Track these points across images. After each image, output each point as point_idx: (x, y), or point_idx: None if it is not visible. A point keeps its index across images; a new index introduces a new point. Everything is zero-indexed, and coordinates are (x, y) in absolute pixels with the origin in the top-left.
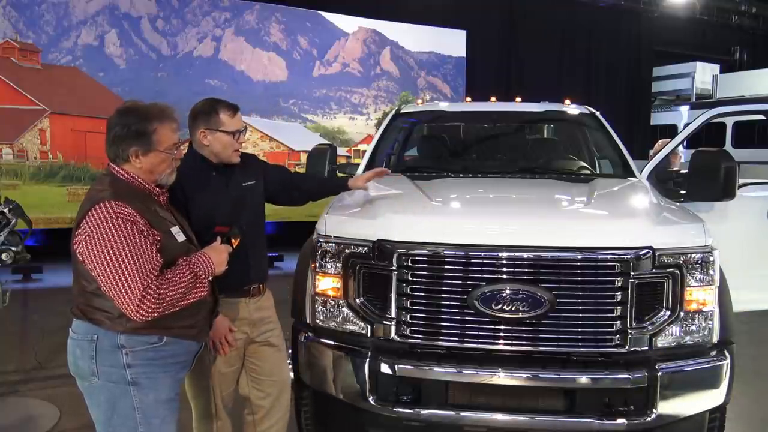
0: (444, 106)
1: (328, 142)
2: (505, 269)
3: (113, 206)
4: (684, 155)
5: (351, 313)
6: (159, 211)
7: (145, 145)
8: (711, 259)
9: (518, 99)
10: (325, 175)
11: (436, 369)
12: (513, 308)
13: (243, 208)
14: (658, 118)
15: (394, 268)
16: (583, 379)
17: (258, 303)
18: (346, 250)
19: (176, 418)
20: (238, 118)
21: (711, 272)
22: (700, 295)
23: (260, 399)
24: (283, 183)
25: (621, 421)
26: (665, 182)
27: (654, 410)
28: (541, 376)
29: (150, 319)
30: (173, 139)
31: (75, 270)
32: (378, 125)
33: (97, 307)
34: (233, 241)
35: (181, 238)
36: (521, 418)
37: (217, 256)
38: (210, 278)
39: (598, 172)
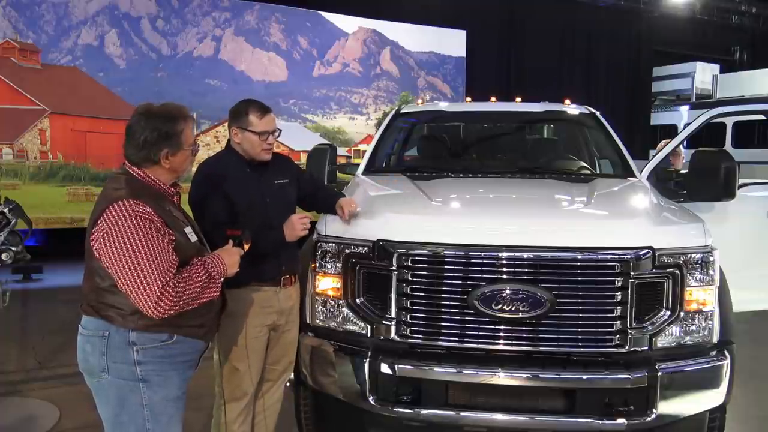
0: (444, 106)
1: (328, 142)
2: (505, 269)
3: (131, 204)
4: (686, 155)
5: (351, 313)
6: (173, 210)
7: (175, 145)
8: (711, 259)
9: (518, 99)
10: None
11: (436, 369)
12: (513, 308)
13: (274, 203)
14: (658, 118)
15: (394, 268)
16: (583, 379)
17: (288, 293)
18: (346, 250)
19: (182, 417)
20: (267, 120)
21: (711, 272)
22: (700, 295)
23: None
24: (313, 188)
25: (621, 421)
26: (665, 182)
27: (654, 410)
28: (541, 376)
29: (167, 316)
30: (193, 136)
31: (88, 267)
32: (378, 125)
33: (110, 303)
34: (245, 244)
35: (193, 238)
36: (521, 418)
37: (229, 257)
38: (222, 279)
39: (598, 172)
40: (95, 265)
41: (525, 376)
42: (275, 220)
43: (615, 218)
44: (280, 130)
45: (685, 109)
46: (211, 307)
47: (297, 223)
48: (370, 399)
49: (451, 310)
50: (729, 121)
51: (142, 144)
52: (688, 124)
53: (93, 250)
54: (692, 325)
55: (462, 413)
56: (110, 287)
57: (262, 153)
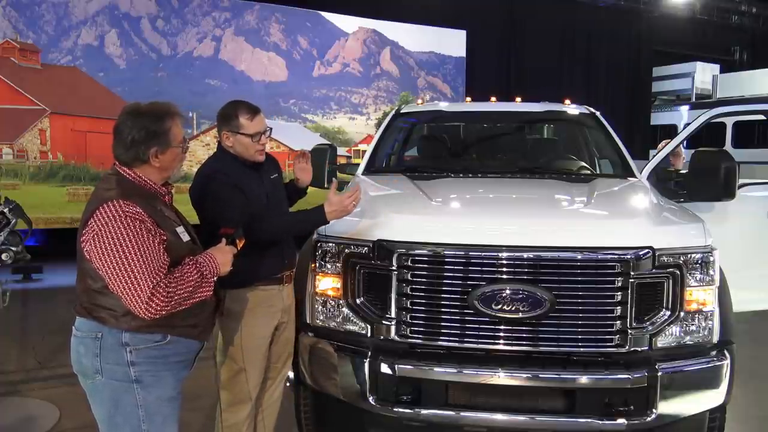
0: (444, 106)
1: (328, 142)
2: (505, 269)
3: (121, 205)
4: (686, 155)
5: (351, 313)
6: (164, 210)
7: (164, 143)
8: (711, 259)
9: (518, 99)
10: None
11: (436, 369)
12: (513, 308)
13: (275, 199)
14: (658, 118)
15: (394, 268)
16: (584, 379)
17: (288, 290)
18: (346, 250)
19: (177, 417)
20: (258, 121)
21: (711, 272)
22: (700, 295)
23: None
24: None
25: (621, 421)
26: (665, 182)
27: (654, 410)
28: (541, 376)
29: (158, 316)
30: (182, 134)
31: (80, 268)
32: (378, 125)
33: (102, 305)
34: (238, 242)
35: (185, 238)
36: (521, 418)
37: (222, 256)
38: (215, 278)
39: (598, 172)
40: (86, 266)
41: (525, 376)
42: (276, 215)
43: (615, 218)
44: (271, 129)
45: (685, 109)
46: (204, 306)
47: (347, 200)
48: (370, 399)
49: (451, 310)
50: (729, 121)
51: (130, 143)
52: (688, 124)
53: (84, 251)
54: (692, 325)
55: (462, 413)
56: (102, 288)
57: (257, 155)
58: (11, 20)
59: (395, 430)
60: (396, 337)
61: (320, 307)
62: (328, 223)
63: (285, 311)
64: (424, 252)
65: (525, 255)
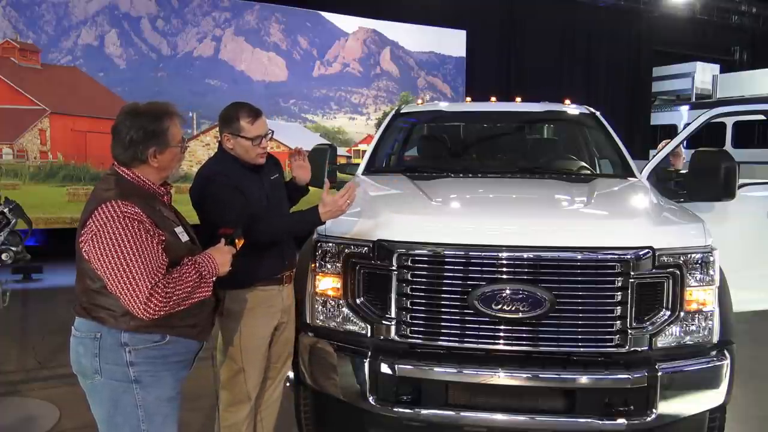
0: (444, 106)
1: (328, 142)
2: (505, 269)
3: (120, 205)
4: (686, 155)
5: (351, 313)
6: (163, 210)
7: (162, 143)
8: (711, 259)
9: (518, 99)
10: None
11: (436, 369)
12: (513, 308)
13: (275, 200)
14: (658, 118)
15: (394, 268)
16: (584, 379)
17: (288, 290)
18: (346, 250)
19: (177, 417)
20: (259, 124)
21: (711, 272)
22: (700, 295)
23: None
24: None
25: (621, 421)
26: (665, 182)
27: (654, 410)
28: (541, 376)
29: (157, 317)
30: (181, 134)
31: (79, 268)
32: (378, 125)
33: (101, 305)
34: (237, 242)
35: (184, 238)
36: (521, 418)
37: (221, 256)
38: (214, 278)
39: (598, 172)
40: (85, 266)
41: (525, 376)
42: (275, 217)
43: (615, 218)
44: (273, 131)
45: (685, 109)
46: (203, 306)
47: (341, 200)
48: (370, 399)
49: (451, 310)
50: (729, 121)
51: (129, 143)
52: (688, 124)
53: (82, 251)
54: (692, 325)
55: (462, 413)
56: (101, 289)
57: (257, 158)
58: (11, 20)
59: (395, 430)
60: (396, 337)
61: (320, 307)
62: (323, 223)
63: (285, 311)
64: (424, 252)
65: (525, 255)
